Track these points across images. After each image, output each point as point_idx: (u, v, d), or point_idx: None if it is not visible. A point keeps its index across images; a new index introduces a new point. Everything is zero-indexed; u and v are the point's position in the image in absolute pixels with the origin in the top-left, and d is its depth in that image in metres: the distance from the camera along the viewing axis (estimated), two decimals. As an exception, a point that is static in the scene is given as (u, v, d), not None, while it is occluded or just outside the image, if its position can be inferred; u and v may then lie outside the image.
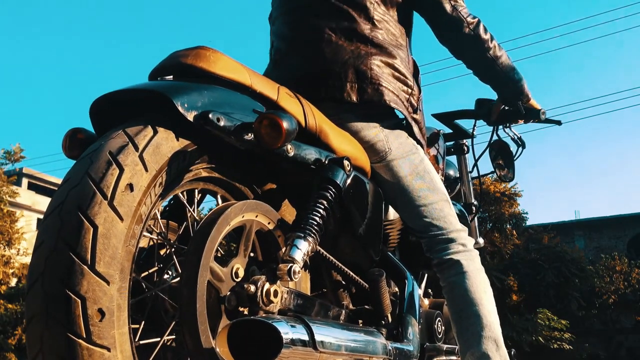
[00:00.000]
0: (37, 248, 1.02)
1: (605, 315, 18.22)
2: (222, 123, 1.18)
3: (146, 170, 1.08)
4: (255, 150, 1.27)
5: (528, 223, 18.33)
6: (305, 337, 1.19)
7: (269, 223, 1.34)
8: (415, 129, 1.78)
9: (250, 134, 1.22)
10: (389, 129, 1.73)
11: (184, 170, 1.20)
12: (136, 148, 1.08)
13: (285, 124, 1.21)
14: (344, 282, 1.68)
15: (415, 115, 1.78)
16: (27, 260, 27.56)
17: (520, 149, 2.36)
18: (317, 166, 1.40)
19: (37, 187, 39.67)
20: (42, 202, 39.78)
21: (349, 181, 1.46)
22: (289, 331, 1.14)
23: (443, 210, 1.75)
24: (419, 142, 1.81)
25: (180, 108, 1.13)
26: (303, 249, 1.29)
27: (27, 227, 31.13)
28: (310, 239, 1.32)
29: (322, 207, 1.37)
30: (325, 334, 1.27)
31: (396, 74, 1.72)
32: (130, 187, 1.05)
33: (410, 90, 1.76)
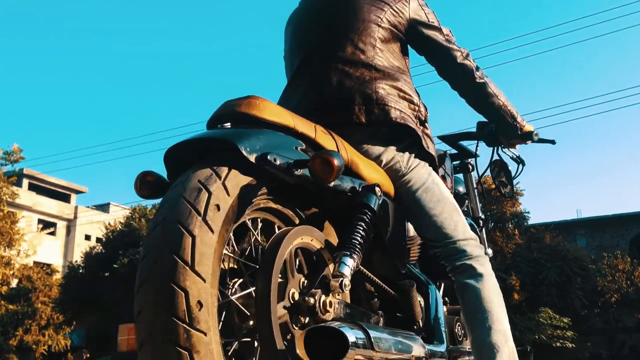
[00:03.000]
0: (144, 257, 1.24)
1: (608, 314, 18.16)
2: (277, 162, 1.39)
3: (228, 195, 1.33)
4: (304, 184, 1.50)
5: (530, 222, 18.30)
6: (365, 340, 1.43)
7: (317, 243, 1.58)
8: (427, 142, 1.93)
9: (301, 170, 1.44)
10: (400, 148, 1.89)
11: (249, 202, 1.42)
12: (219, 177, 1.32)
13: (336, 162, 1.41)
14: (376, 293, 1.87)
15: (425, 130, 1.94)
16: (28, 261, 27.55)
17: (520, 166, 2.58)
18: (353, 193, 1.61)
19: (37, 187, 39.60)
20: (43, 203, 39.69)
21: (379, 204, 1.65)
22: (352, 335, 1.37)
23: (454, 220, 1.90)
24: (430, 155, 1.95)
25: (244, 152, 1.35)
26: (350, 265, 1.48)
27: (28, 228, 31.11)
28: (355, 256, 1.51)
29: (362, 228, 1.57)
30: (379, 336, 1.50)
31: (401, 94, 1.89)
32: (218, 207, 1.29)
33: (417, 107, 1.92)
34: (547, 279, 16.55)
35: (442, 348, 1.97)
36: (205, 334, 1.19)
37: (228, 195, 1.31)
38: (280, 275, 1.41)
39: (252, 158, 1.36)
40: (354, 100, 1.82)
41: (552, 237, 17.95)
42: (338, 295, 1.51)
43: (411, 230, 2.02)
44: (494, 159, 2.57)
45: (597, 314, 17.82)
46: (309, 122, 1.60)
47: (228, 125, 1.48)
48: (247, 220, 1.48)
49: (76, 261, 22.53)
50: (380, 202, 1.64)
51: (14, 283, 25.86)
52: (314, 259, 1.58)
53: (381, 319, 1.81)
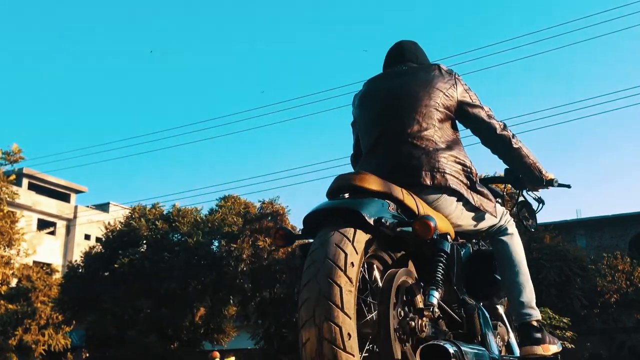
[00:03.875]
0: (306, 301, 1.73)
1: (607, 314, 18.15)
2: (387, 223, 1.90)
3: (357, 253, 1.81)
4: (405, 238, 2.03)
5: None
6: (458, 353, 1.92)
7: (411, 280, 2.06)
8: (474, 197, 2.45)
9: (404, 229, 1.95)
10: (456, 203, 2.43)
11: (366, 253, 1.92)
12: (350, 240, 1.81)
13: (433, 224, 1.93)
14: (447, 315, 2.30)
15: (477, 188, 2.47)
16: (27, 261, 27.53)
17: (540, 205, 3.10)
18: (431, 240, 2.05)
19: (37, 187, 39.56)
20: (43, 202, 39.63)
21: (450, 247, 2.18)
22: (451, 350, 1.89)
23: (489, 217, 2.58)
24: (475, 207, 2.48)
25: (366, 217, 1.87)
26: (436, 296, 2.01)
27: (28, 227, 31.07)
28: (439, 290, 2.04)
29: (441, 267, 2.08)
30: (466, 350, 2.00)
31: (456, 160, 2.42)
32: (352, 264, 1.78)
33: (468, 170, 2.45)
34: (546, 279, 16.54)
35: (496, 357, 2.50)
36: (349, 318, 1.71)
37: (357, 253, 1.82)
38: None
39: (370, 221, 1.88)
40: (421, 168, 2.34)
41: (551, 237, 17.94)
42: (428, 319, 1.99)
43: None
44: (519, 199, 3.07)
45: (596, 314, 17.81)
46: (398, 187, 2.10)
47: (346, 195, 2.05)
48: (363, 265, 1.95)
49: (76, 261, 22.52)
50: (450, 246, 2.16)
51: (13, 283, 25.84)
52: (409, 292, 2.05)
53: (451, 335, 2.24)
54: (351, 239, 1.82)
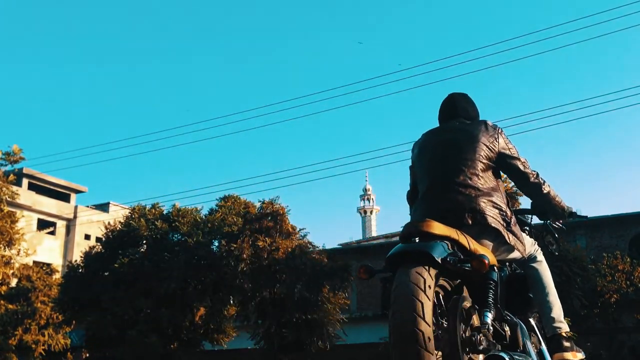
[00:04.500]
0: (395, 327, 2.29)
1: (607, 314, 18.15)
2: (451, 261, 2.45)
3: (430, 288, 2.35)
4: (465, 272, 2.54)
5: (529, 222, 18.26)
6: None
7: (468, 304, 2.59)
8: (509, 236, 2.94)
9: (464, 265, 2.49)
10: (496, 240, 2.94)
11: (436, 282, 2.44)
12: (423, 277, 2.35)
13: (487, 261, 2.47)
14: (495, 330, 2.75)
15: (511, 227, 2.97)
16: (27, 261, 27.53)
17: (562, 233, 3.71)
18: (475, 271, 2.54)
19: (37, 187, 39.53)
20: (43, 202, 39.61)
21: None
22: (507, 358, 2.53)
23: (522, 249, 3.08)
24: (508, 244, 2.97)
25: (435, 257, 2.41)
26: (490, 317, 2.58)
27: (28, 227, 31.07)
28: (492, 311, 2.63)
29: (492, 292, 2.67)
30: (517, 358, 2.64)
31: (495, 205, 2.93)
32: (429, 287, 2.33)
33: (504, 213, 2.95)
34: (546, 279, 16.50)
35: None
36: (432, 354, 2.23)
37: (430, 288, 2.35)
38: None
39: (438, 260, 2.42)
40: (465, 210, 2.86)
41: (551, 237, 17.88)
42: (484, 334, 2.52)
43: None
44: (545, 228, 3.61)
45: (596, 314, 17.81)
46: (453, 230, 2.62)
47: (417, 239, 2.55)
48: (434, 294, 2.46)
49: (76, 261, 22.50)
50: (496, 274, 2.74)
51: (13, 282, 25.82)
52: (468, 313, 2.56)
53: (499, 347, 2.72)
54: (425, 277, 2.36)
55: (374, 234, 67.31)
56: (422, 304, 2.27)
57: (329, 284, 18.81)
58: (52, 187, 40.79)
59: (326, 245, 27.24)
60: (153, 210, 21.53)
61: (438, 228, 2.56)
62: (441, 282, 2.55)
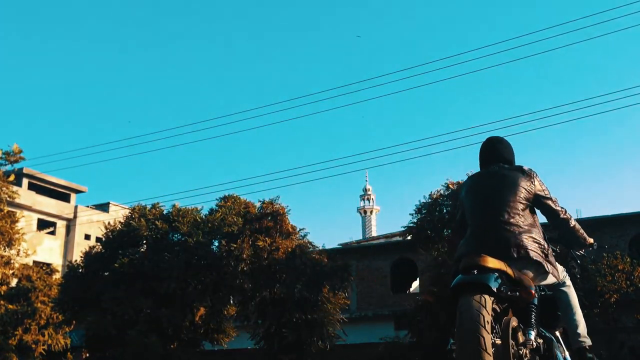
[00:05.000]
0: (461, 326, 2.91)
1: (607, 314, 18.14)
2: (503, 290, 3.04)
3: (488, 314, 2.91)
4: (512, 298, 3.13)
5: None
6: None
7: (515, 323, 3.16)
8: (548, 266, 3.48)
9: (514, 294, 3.10)
10: (536, 271, 3.47)
11: (491, 308, 3.00)
12: (482, 305, 2.90)
13: (533, 291, 3.15)
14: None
15: (549, 258, 3.51)
16: (27, 260, 27.52)
17: (583, 259, 4.36)
18: (522, 297, 3.17)
19: (37, 187, 39.51)
20: (43, 202, 39.58)
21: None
22: None
23: (556, 276, 3.65)
24: (551, 272, 3.54)
25: (492, 287, 2.97)
26: (533, 334, 3.22)
27: (28, 227, 31.06)
28: (535, 330, 3.29)
29: (534, 314, 3.33)
30: None
31: (534, 240, 3.46)
32: (487, 322, 2.87)
33: (543, 247, 3.49)
34: (546, 279, 16.49)
35: None
36: (491, 356, 2.80)
37: (488, 314, 2.91)
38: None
39: (494, 289, 2.98)
40: (509, 246, 3.38)
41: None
42: (528, 349, 3.16)
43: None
44: (569, 255, 4.17)
45: (596, 314, 17.79)
46: (503, 263, 3.14)
47: (475, 272, 3.08)
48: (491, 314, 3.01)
49: (76, 261, 22.51)
50: (537, 300, 3.38)
51: (13, 282, 25.82)
52: (515, 331, 3.12)
53: (537, 358, 3.34)
54: (484, 304, 2.93)
55: (374, 234, 67.28)
56: (484, 324, 2.86)
57: (329, 284, 18.82)
58: (52, 187, 40.78)
59: (326, 245, 27.26)
60: (153, 210, 21.52)
61: (491, 262, 3.10)
62: (493, 305, 3.07)
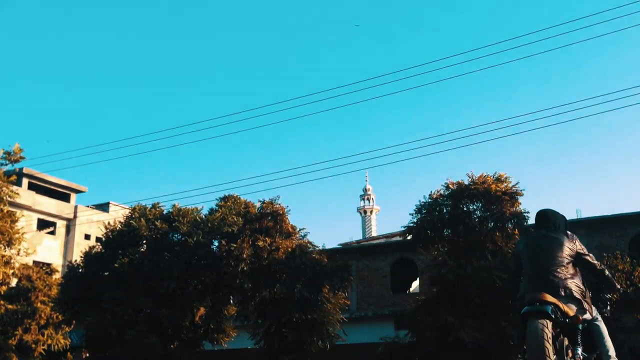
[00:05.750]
0: (530, 341, 4.19)
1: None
2: (558, 316, 4.31)
3: (551, 330, 4.22)
4: (564, 324, 4.38)
5: (530, 222, 18.25)
6: None
7: (567, 342, 4.46)
8: (587, 305, 4.62)
9: (566, 320, 4.37)
10: (579, 306, 4.54)
11: (550, 331, 4.23)
12: (545, 327, 4.20)
13: (581, 318, 4.49)
14: None
15: (587, 299, 4.65)
16: (27, 260, 27.52)
17: (612, 300, 5.28)
18: (570, 323, 4.40)
19: (37, 187, 39.51)
20: (43, 202, 39.55)
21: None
22: None
23: (591, 313, 4.81)
24: (588, 310, 4.67)
25: (551, 315, 4.25)
26: (579, 352, 4.48)
27: (28, 227, 31.05)
28: (581, 347, 4.51)
29: (579, 337, 4.52)
30: None
31: (576, 285, 4.57)
32: (550, 334, 4.20)
33: (583, 290, 4.61)
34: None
35: None
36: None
37: (549, 333, 4.11)
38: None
39: (553, 316, 4.20)
40: (558, 288, 4.45)
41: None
42: None
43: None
44: (600, 298, 5.10)
45: (596, 314, 17.80)
46: (555, 298, 4.32)
47: (537, 304, 4.26)
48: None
49: (76, 260, 22.51)
50: (581, 326, 4.47)
51: (13, 282, 25.83)
52: (566, 349, 4.34)
53: None
54: (547, 328, 4.12)
55: (374, 234, 67.30)
56: (547, 339, 4.06)
57: (329, 284, 18.82)
58: (52, 187, 40.77)
59: (326, 245, 27.23)
60: (153, 210, 21.52)
61: (549, 297, 4.31)
62: (551, 328, 4.18)
